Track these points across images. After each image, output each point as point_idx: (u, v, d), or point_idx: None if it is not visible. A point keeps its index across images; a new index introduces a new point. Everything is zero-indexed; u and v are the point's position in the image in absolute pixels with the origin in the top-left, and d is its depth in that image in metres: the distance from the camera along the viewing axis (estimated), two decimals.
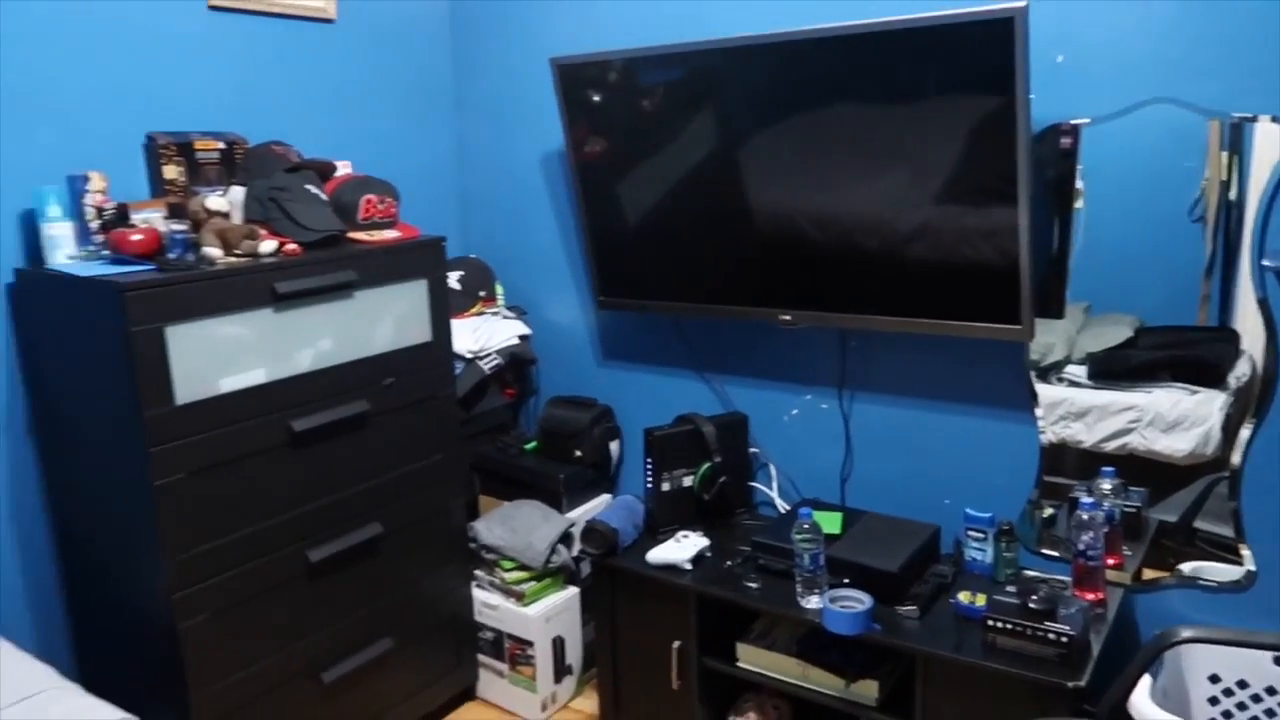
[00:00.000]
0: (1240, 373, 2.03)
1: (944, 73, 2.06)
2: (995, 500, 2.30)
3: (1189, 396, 2.07)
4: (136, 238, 2.01)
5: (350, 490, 2.31)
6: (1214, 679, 1.83)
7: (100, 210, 2.09)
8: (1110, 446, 2.17)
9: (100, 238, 2.07)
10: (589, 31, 2.78)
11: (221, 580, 2.05)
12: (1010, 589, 2.02)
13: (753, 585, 2.25)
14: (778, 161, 2.35)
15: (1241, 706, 1.82)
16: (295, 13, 2.63)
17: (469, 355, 2.76)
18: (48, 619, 2.27)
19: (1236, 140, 1.94)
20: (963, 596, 2.08)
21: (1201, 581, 2.12)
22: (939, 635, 2.02)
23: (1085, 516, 2.03)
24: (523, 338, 2.95)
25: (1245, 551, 2.06)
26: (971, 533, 2.24)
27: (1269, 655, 1.77)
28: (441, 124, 3.14)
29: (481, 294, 2.98)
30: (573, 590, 2.73)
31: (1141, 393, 2.11)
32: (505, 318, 2.97)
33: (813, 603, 2.12)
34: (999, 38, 1.93)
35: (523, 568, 2.66)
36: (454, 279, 2.82)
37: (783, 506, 2.65)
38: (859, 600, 2.05)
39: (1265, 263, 1.94)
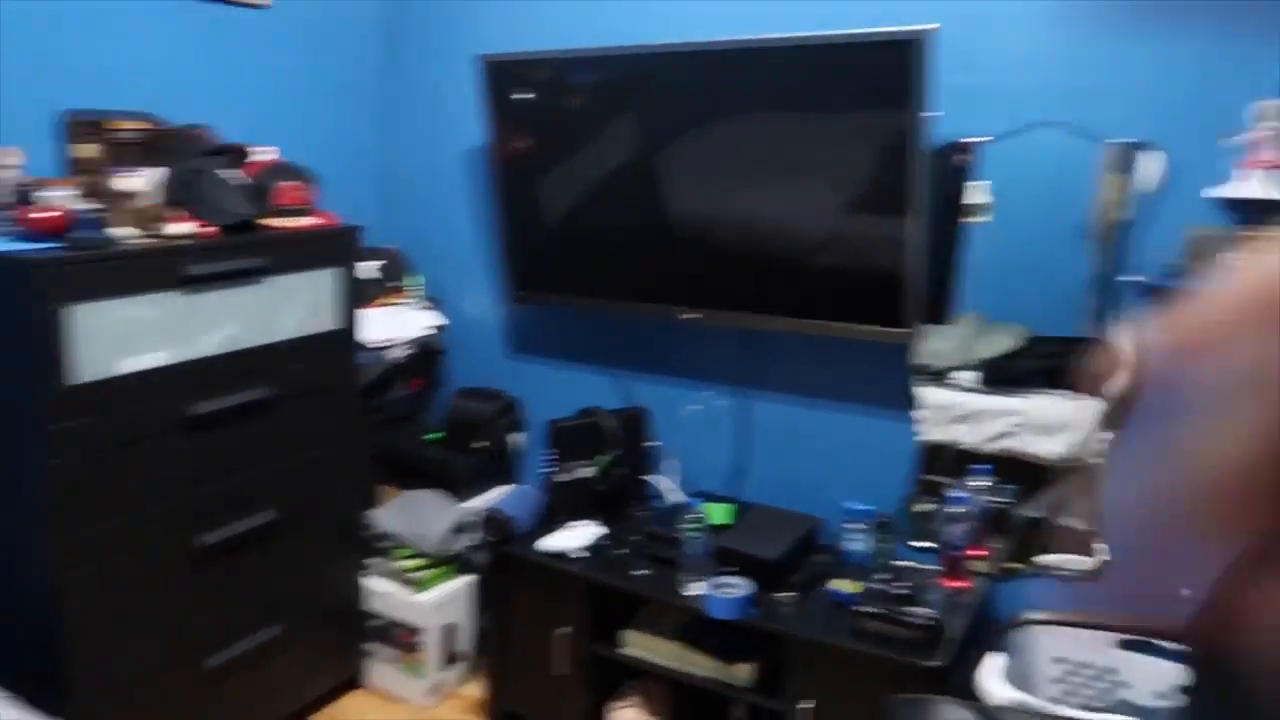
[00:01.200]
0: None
1: (850, 89, 2.16)
2: (881, 495, 2.39)
3: (1067, 403, 2.18)
4: (44, 215, 2.02)
5: (247, 476, 2.32)
6: (1059, 660, 1.95)
7: (15, 187, 2.11)
8: (991, 448, 2.27)
9: (10, 214, 2.10)
10: (515, 32, 2.84)
11: (109, 562, 2.05)
12: (881, 577, 2.12)
13: (640, 573, 2.32)
14: (693, 166, 2.44)
15: (1081, 685, 1.93)
16: None
17: (378, 344, 2.79)
18: None
19: (1125, 164, 2.05)
20: (836, 584, 2.18)
21: (1058, 571, 2.23)
22: (813, 620, 2.11)
23: (955, 510, 2.14)
24: (438, 328, 2.99)
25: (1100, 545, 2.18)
26: (850, 525, 2.34)
27: (1111, 639, 1.89)
28: (369, 115, 3.17)
29: (397, 284, 3.03)
30: (467, 578, 2.74)
31: (1024, 398, 2.22)
32: (419, 308, 3.01)
33: (695, 589, 2.20)
34: (904, 59, 2.03)
35: (418, 555, 2.69)
36: (373, 268, 2.86)
37: (680, 499, 2.71)
38: (739, 586, 2.14)
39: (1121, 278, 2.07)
